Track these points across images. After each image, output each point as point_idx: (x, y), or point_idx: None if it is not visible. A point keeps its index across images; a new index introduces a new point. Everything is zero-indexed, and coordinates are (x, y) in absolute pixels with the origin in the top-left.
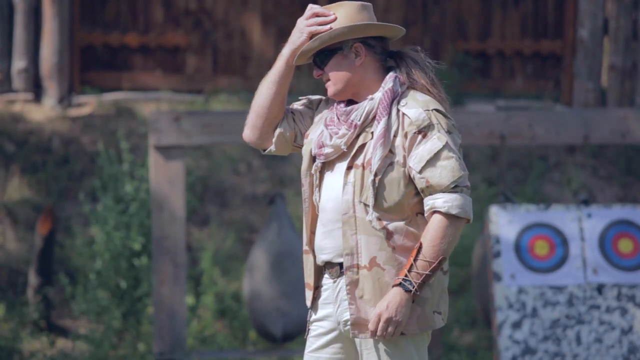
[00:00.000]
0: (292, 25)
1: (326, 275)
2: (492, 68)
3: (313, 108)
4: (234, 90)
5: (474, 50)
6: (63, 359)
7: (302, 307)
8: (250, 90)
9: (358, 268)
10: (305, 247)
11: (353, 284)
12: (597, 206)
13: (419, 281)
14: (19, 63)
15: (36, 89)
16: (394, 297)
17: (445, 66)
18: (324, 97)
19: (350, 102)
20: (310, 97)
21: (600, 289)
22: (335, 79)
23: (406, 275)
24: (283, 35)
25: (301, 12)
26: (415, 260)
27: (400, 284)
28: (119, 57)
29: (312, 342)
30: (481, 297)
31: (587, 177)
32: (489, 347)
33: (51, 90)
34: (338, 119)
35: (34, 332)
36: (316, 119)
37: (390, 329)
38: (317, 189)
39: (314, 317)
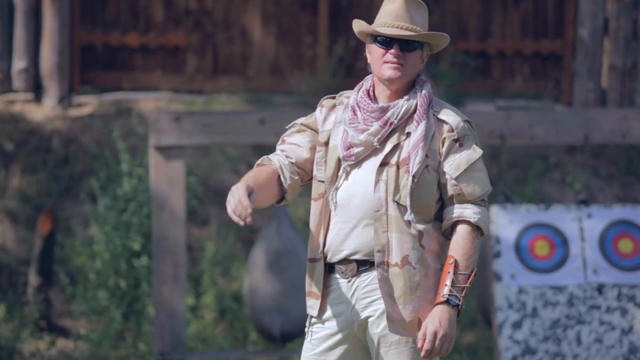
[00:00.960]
0: (292, 25)
1: (336, 275)
2: (492, 68)
3: (311, 128)
4: (234, 90)
5: (474, 50)
6: (63, 359)
7: (302, 307)
8: (250, 91)
9: (388, 265)
10: (316, 256)
11: (383, 281)
12: (597, 206)
13: (463, 294)
14: (19, 63)
15: (36, 89)
16: (442, 314)
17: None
18: (322, 106)
19: (367, 99)
20: (300, 120)
21: (600, 289)
22: (410, 68)
23: (451, 291)
24: (283, 35)
25: (301, 12)
26: (455, 274)
27: (447, 301)
28: (119, 57)
29: (316, 345)
30: (481, 297)
31: (587, 177)
32: (489, 347)
33: (51, 90)
34: (362, 113)
35: (34, 332)
36: (326, 127)
37: (445, 346)
38: (336, 190)
39: (319, 316)
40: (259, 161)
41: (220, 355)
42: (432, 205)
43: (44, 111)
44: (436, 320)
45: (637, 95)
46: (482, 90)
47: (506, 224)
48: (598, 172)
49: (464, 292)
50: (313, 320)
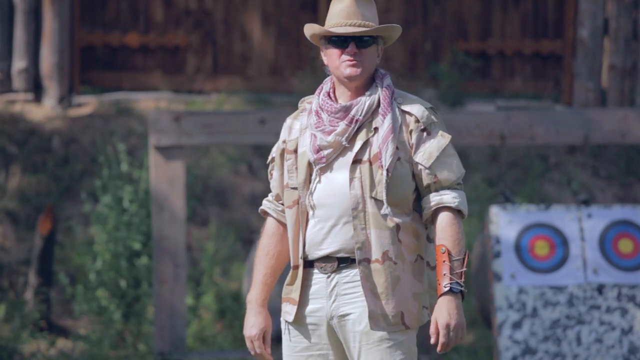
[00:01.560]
0: (292, 25)
1: (315, 271)
2: (492, 68)
3: (280, 155)
4: (234, 90)
5: (474, 50)
6: (63, 359)
7: None
8: (250, 91)
9: (369, 262)
10: (298, 262)
11: (364, 278)
12: (597, 206)
13: (462, 279)
14: (19, 63)
15: (36, 89)
16: (449, 303)
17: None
18: (287, 121)
19: (329, 100)
20: (273, 153)
21: (600, 289)
22: (368, 63)
23: (451, 279)
24: (283, 35)
25: (301, 12)
26: (450, 262)
27: (450, 290)
28: (119, 57)
29: (297, 342)
30: (481, 297)
31: (587, 177)
32: (489, 347)
33: (51, 90)
34: (327, 115)
35: (34, 333)
36: (292, 135)
37: (460, 334)
38: (311, 195)
39: (298, 313)
40: (261, 209)
41: (220, 355)
42: (410, 197)
43: (44, 111)
44: (444, 312)
45: (637, 95)
46: (482, 90)
47: (506, 224)
48: (598, 172)
49: (462, 277)
50: (290, 319)
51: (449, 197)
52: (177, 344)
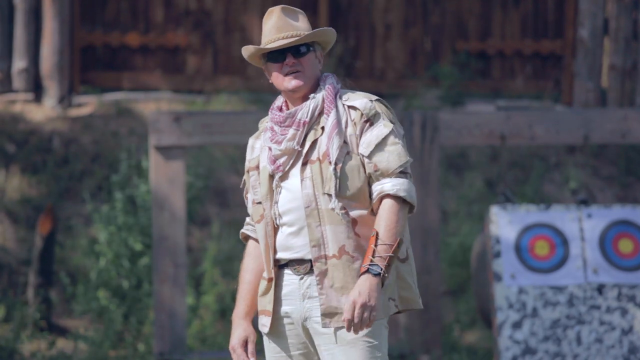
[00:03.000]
0: None
1: (288, 271)
2: (492, 68)
3: (248, 174)
4: (234, 90)
5: (474, 50)
6: (63, 359)
7: None
8: (250, 91)
9: (326, 258)
10: (271, 274)
11: (322, 274)
12: (597, 206)
13: (385, 264)
14: (19, 63)
15: (36, 89)
16: (364, 283)
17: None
18: (249, 141)
19: (278, 112)
20: (244, 176)
21: (600, 289)
22: (309, 72)
23: (371, 261)
24: None
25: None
26: (375, 245)
27: (368, 270)
28: (119, 57)
29: (277, 350)
30: (481, 297)
31: (587, 177)
32: (489, 347)
33: (51, 90)
34: (279, 126)
35: (34, 333)
36: (254, 154)
37: (366, 314)
38: (275, 204)
39: (273, 321)
40: (241, 233)
41: (220, 355)
42: (365, 190)
43: (44, 111)
44: (355, 290)
45: (637, 95)
46: (483, 90)
47: (506, 224)
48: (598, 172)
49: (386, 261)
50: (265, 321)
51: (388, 185)
52: (177, 344)
